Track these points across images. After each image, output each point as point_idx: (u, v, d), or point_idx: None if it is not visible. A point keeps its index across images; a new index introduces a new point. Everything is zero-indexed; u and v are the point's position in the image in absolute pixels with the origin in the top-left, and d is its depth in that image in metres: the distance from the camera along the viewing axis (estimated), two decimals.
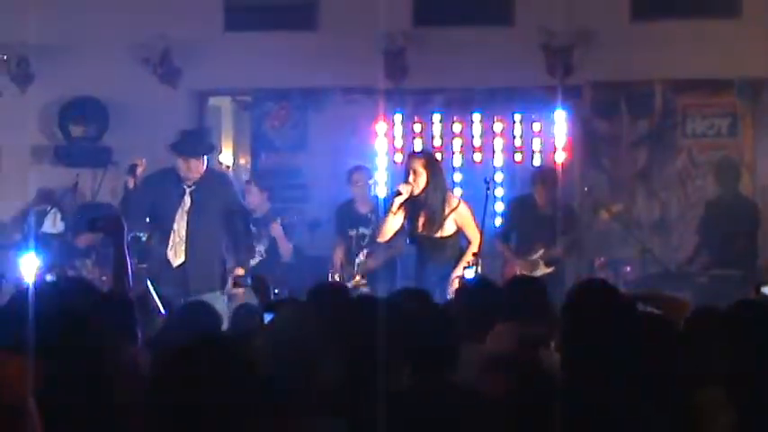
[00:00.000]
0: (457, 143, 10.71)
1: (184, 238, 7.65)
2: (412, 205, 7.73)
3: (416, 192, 7.66)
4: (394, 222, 7.80)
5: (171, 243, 7.67)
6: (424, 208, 7.68)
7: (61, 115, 10.96)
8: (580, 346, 3.69)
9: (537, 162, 10.66)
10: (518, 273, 8.78)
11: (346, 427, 3.10)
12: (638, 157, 10.64)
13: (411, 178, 7.67)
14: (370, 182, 9.50)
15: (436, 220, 7.66)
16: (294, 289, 8.41)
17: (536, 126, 10.62)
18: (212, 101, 11.64)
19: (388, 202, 7.95)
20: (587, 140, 10.68)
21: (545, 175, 9.43)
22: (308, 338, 3.26)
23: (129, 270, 4.51)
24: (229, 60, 10.70)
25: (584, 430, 3.15)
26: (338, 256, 9.25)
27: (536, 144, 10.68)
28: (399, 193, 7.69)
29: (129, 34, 10.66)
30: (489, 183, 8.11)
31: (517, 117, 10.66)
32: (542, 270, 8.93)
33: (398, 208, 7.71)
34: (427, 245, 7.75)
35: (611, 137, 10.67)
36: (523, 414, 2.84)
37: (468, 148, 10.70)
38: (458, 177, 10.52)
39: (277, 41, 10.78)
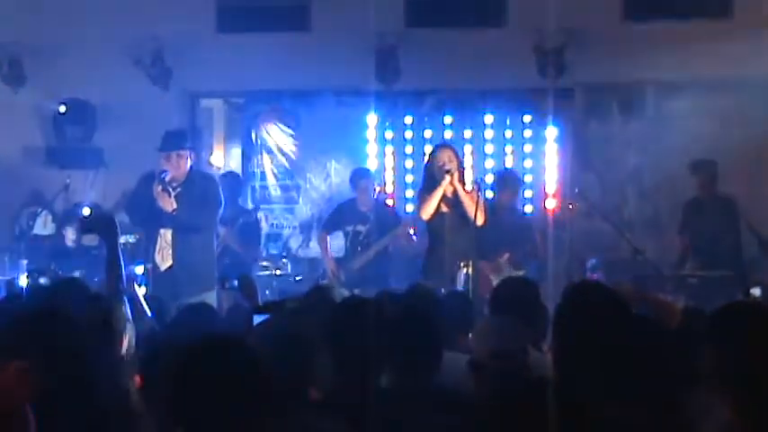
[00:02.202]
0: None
1: (170, 243, 7.60)
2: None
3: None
4: (437, 202, 7.83)
5: (158, 247, 7.59)
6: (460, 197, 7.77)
7: (56, 117, 10.93)
8: (573, 348, 3.69)
9: (528, 164, 10.68)
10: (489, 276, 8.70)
11: (344, 427, 3.11)
12: (629, 159, 10.64)
13: (447, 165, 7.76)
14: (375, 185, 9.49)
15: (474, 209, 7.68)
16: (285, 291, 8.39)
17: (527, 128, 10.66)
18: (204, 102, 11.62)
19: (428, 180, 7.96)
20: (579, 141, 10.68)
21: (506, 179, 9.40)
22: (302, 339, 3.26)
23: (123, 271, 4.50)
24: (221, 62, 10.68)
25: None
26: (330, 256, 9.21)
27: (527, 146, 10.70)
28: (449, 172, 7.75)
29: (120, 35, 10.62)
30: (479, 184, 8.09)
31: (508, 118, 10.67)
32: (511, 273, 8.81)
33: (444, 187, 7.77)
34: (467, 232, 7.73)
35: (602, 138, 10.67)
36: (508, 415, 2.83)
37: (459, 150, 10.69)
38: None
39: (269, 43, 10.76)
